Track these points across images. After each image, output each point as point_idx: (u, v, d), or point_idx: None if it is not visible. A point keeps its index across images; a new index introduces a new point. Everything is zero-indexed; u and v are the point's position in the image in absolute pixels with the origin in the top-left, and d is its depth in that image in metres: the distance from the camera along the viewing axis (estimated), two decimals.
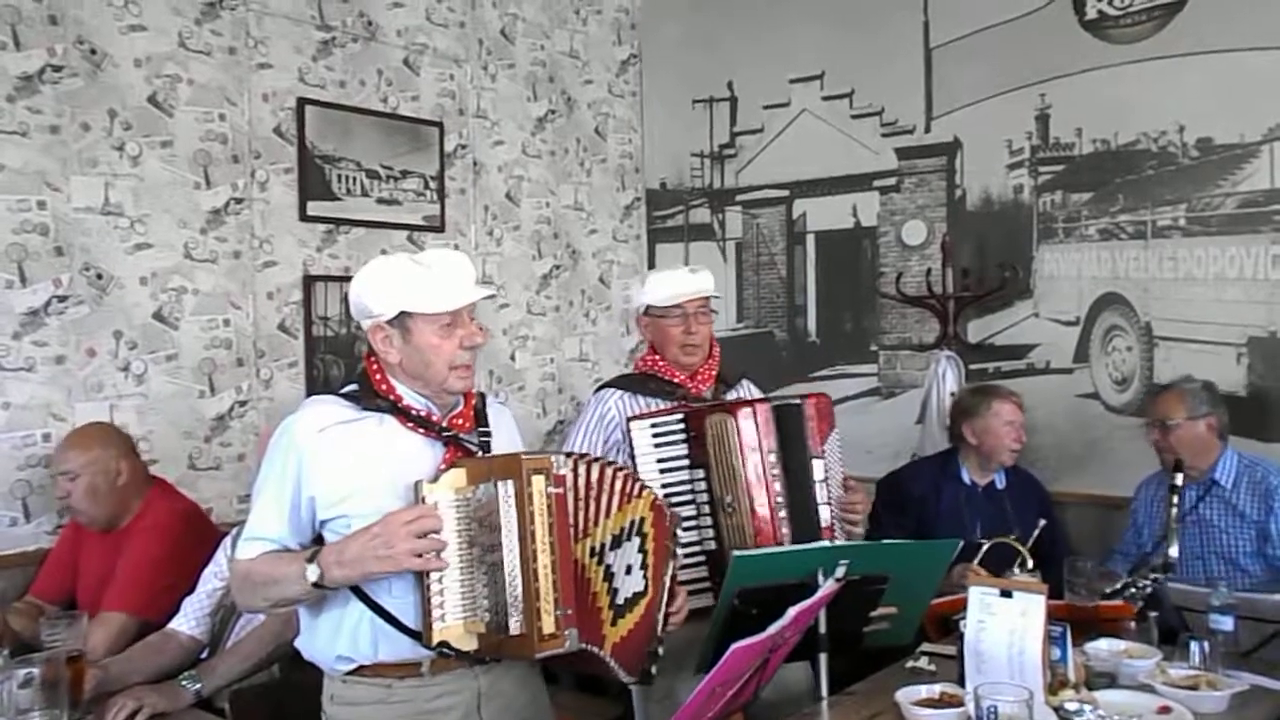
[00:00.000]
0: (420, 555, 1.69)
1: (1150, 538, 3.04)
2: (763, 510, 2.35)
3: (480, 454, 1.88)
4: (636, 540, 1.87)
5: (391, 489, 1.77)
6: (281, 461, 1.83)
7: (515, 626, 1.71)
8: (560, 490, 1.76)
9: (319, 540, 1.84)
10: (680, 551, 2.00)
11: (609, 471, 1.86)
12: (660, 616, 1.90)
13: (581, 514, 1.81)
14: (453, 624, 1.74)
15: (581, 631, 1.75)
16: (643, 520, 1.88)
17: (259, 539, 1.85)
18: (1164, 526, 2.78)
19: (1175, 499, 2.75)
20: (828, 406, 2.48)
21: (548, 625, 1.71)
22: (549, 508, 1.74)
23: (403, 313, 1.83)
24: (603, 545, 1.83)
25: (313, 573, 1.73)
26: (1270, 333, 3.38)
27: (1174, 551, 2.66)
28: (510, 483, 1.72)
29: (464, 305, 1.84)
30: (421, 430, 1.86)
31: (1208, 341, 3.50)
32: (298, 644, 1.94)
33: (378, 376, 1.88)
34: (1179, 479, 2.79)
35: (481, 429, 1.93)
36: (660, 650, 1.90)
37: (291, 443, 1.83)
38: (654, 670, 1.90)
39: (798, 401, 2.44)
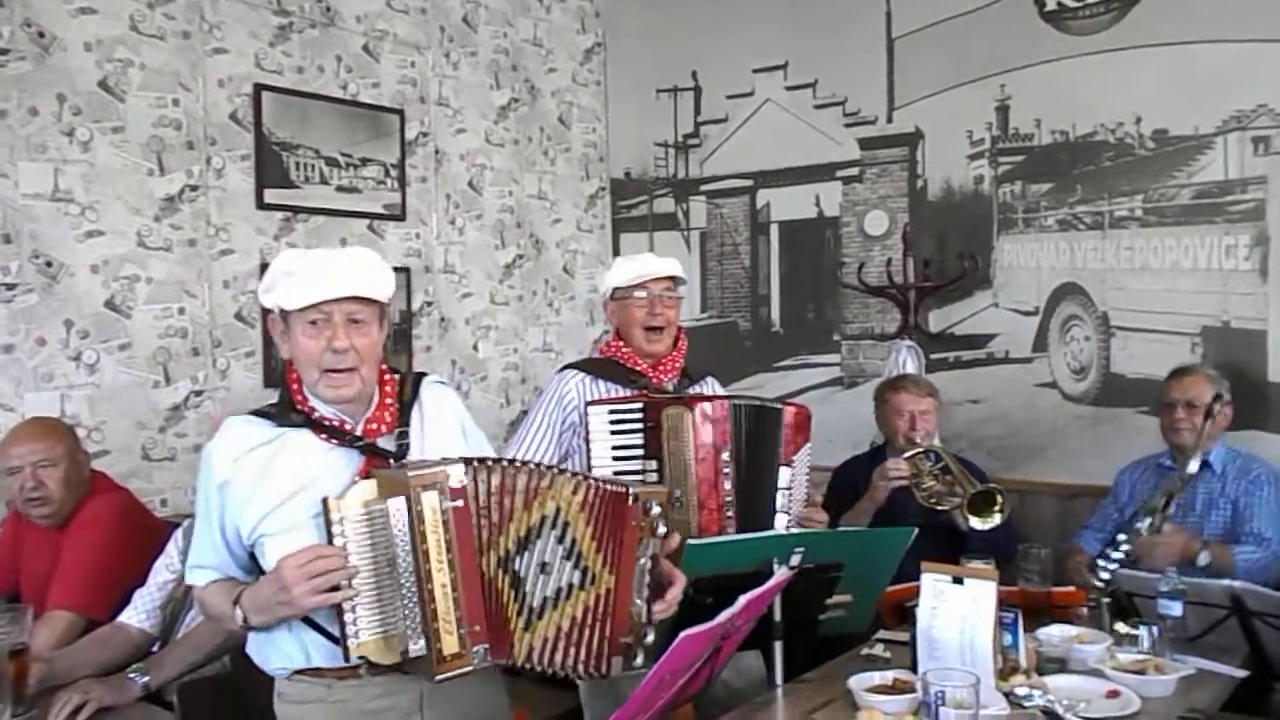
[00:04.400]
0: (318, 593, 1.65)
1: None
2: (710, 507, 2.34)
3: (394, 461, 1.81)
4: (553, 533, 1.74)
5: (308, 505, 1.72)
6: (204, 493, 1.83)
7: (415, 648, 1.66)
8: (459, 504, 1.68)
9: (255, 561, 1.82)
10: (662, 529, 1.80)
11: (511, 472, 1.74)
12: (640, 603, 1.76)
13: (485, 523, 1.72)
14: (368, 639, 1.69)
15: (494, 647, 1.70)
16: (559, 510, 1.75)
17: (201, 567, 1.88)
18: (1147, 502, 2.80)
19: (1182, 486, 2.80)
20: (806, 420, 2.47)
21: (449, 645, 1.66)
22: (445, 523, 1.67)
23: (282, 309, 1.78)
24: (508, 552, 1.73)
25: (239, 616, 1.76)
26: (1224, 322, 3.43)
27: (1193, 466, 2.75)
28: (400, 500, 1.66)
29: (321, 300, 1.73)
30: (334, 441, 1.80)
31: (1163, 331, 3.54)
32: (247, 648, 1.92)
33: (295, 386, 1.83)
34: (1194, 465, 2.81)
35: (402, 429, 1.85)
36: (649, 638, 1.77)
37: (210, 476, 1.81)
38: (637, 660, 1.77)
39: (779, 406, 2.45)
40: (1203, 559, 2.71)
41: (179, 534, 2.52)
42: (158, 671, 2.28)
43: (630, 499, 1.77)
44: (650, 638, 1.79)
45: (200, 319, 3.44)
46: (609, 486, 1.77)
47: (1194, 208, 3.48)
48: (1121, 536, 2.60)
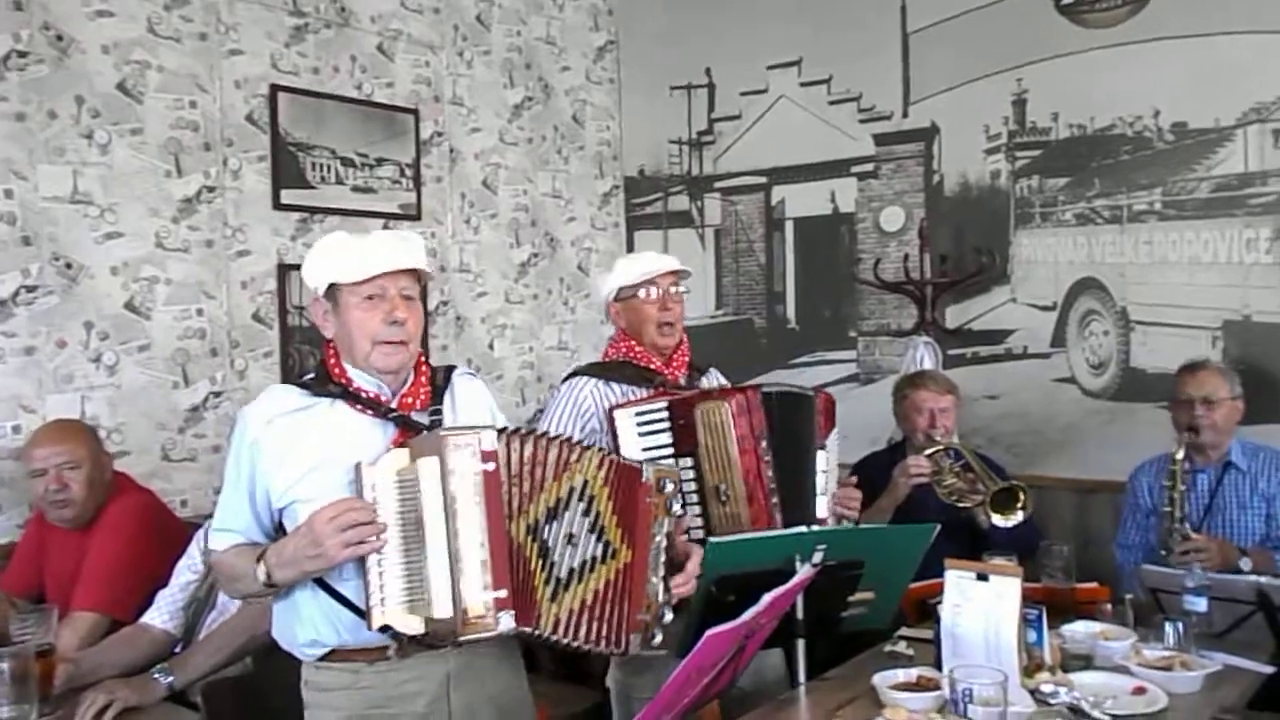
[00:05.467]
0: (350, 545, 1.67)
1: (1157, 525, 2.99)
2: (759, 498, 2.33)
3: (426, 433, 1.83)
4: (580, 505, 1.78)
5: (341, 473, 1.75)
6: (236, 454, 1.86)
7: (441, 609, 1.66)
8: (491, 467, 1.69)
9: (281, 528, 1.84)
10: (677, 509, 1.87)
11: (543, 443, 1.77)
12: (656, 580, 1.80)
13: (516, 490, 1.73)
14: (394, 608, 1.69)
15: (520, 614, 1.69)
16: (586, 484, 1.79)
17: (225, 530, 1.89)
18: (1169, 500, 2.80)
19: (1180, 478, 2.81)
20: (832, 407, 2.52)
21: (475, 608, 1.65)
22: (475, 485, 1.68)
23: (332, 285, 1.84)
24: (537, 521, 1.75)
25: (262, 573, 1.76)
26: (1244, 315, 3.41)
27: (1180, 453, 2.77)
28: (433, 459, 1.68)
29: (379, 273, 1.80)
30: (369, 412, 1.84)
31: (1183, 325, 3.52)
32: (273, 633, 1.93)
33: (332, 360, 1.88)
34: (1180, 452, 2.83)
35: (435, 407, 1.89)
36: (667, 616, 1.81)
37: (244, 435, 1.84)
38: (656, 639, 1.80)
39: (810, 392, 2.46)
40: (1245, 566, 2.69)
41: (201, 535, 2.53)
42: (182, 672, 2.29)
43: (643, 474, 1.81)
44: (668, 617, 1.83)
45: (218, 320, 3.45)
46: (625, 461, 1.82)
47: (1214, 201, 3.46)
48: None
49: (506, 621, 1.67)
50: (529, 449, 1.76)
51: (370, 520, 1.68)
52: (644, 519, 1.81)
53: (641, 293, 2.58)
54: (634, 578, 1.79)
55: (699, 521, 2.33)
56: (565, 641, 1.76)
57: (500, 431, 1.75)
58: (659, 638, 1.81)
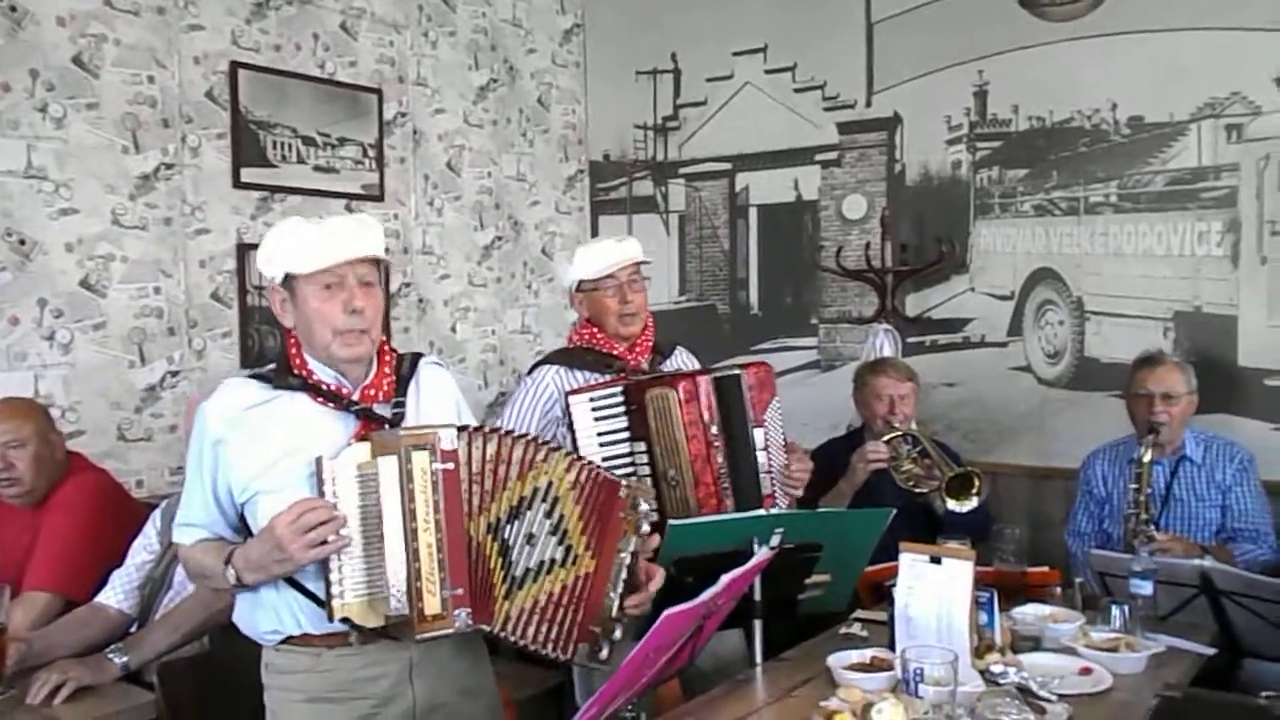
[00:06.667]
0: (312, 547, 1.66)
1: (1114, 514, 3.05)
2: (706, 482, 2.35)
3: (388, 426, 1.83)
4: (543, 506, 1.78)
5: (303, 466, 1.74)
6: (198, 451, 1.84)
7: (397, 606, 1.68)
8: (450, 466, 1.70)
9: (244, 521, 1.83)
10: (645, 529, 1.86)
11: (508, 442, 1.78)
12: (613, 595, 1.81)
13: (477, 489, 1.74)
14: (353, 601, 1.70)
15: (478, 612, 1.72)
16: (551, 485, 1.79)
17: (190, 525, 1.87)
18: (1135, 502, 2.84)
19: (1146, 470, 2.85)
20: (768, 375, 2.50)
21: (431, 605, 1.68)
22: (433, 484, 1.69)
23: (288, 275, 1.80)
24: (498, 519, 1.76)
25: (231, 576, 1.76)
26: (1195, 307, 3.48)
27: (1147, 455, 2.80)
28: (391, 459, 1.69)
29: (337, 263, 1.77)
30: (331, 405, 1.82)
31: (1136, 316, 3.59)
32: (234, 617, 1.92)
33: (293, 351, 1.85)
34: (1147, 455, 2.86)
35: (398, 399, 1.87)
36: (616, 633, 1.81)
37: (204, 433, 1.82)
38: (603, 653, 1.80)
39: (737, 371, 2.45)
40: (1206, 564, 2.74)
41: (157, 515, 2.52)
42: (136, 651, 2.27)
43: (622, 490, 1.82)
44: (618, 634, 1.83)
45: (176, 299, 3.41)
46: (603, 473, 1.82)
47: (1168, 194, 3.52)
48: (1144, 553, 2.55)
49: (463, 619, 1.70)
50: (491, 447, 1.76)
51: (330, 518, 1.67)
52: (614, 532, 1.82)
53: (602, 285, 2.59)
54: (593, 587, 1.80)
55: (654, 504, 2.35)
56: (514, 639, 1.77)
57: (461, 430, 1.75)
58: (605, 653, 1.81)
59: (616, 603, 1.82)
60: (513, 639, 1.77)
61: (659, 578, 1.90)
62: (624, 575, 1.83)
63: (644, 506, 1.85)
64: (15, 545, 2.60)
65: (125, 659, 2.25)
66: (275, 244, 1.82)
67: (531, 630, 1.77)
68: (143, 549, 2.47)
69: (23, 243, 3.06)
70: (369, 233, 1.83)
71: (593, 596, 1.81)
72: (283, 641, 1.84)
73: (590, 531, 1.82)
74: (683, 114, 4.62)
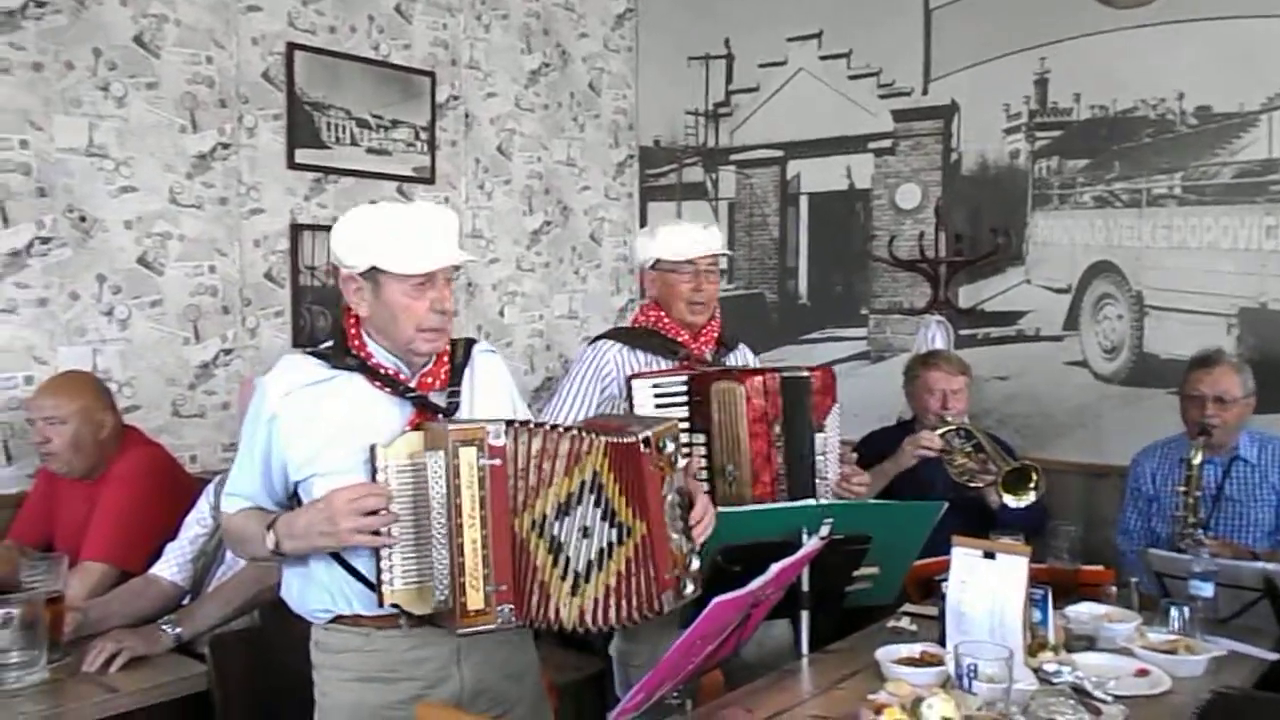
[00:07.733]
0: (363, 533, 1.68)
1: (1162, 514, 2.98)
2: (764, 481, 2.33)
3: (442, 416, 1.83)
4: (591, 497, 1.76)
5: (356, 450, 1.75)
6: (253, 424, 1.85)
7: (441, 600, 1.70)
8: (497, 462, 1.71)
9: (295, 497, 1.84)
10: (683, 458, 1.84)
11: (554, 435, 1.76)
12: (677, 537, 1.78)
13: (522, 484, 1.75)
14: (401, 588, 1.72)
15: (520, 608, 1.73)
16: (596, 474, 1.77)
17: (236, 495, 1.89)
18: (1184, 505, 2.78)
19: (1196, 473, 2.78)
20: (832, 381, 2.46)
21: (474, 601, 1.69)
22: (480, 480, 1.70)
23: (374, 268, 1.79)
24: (544, 516, 1.76)
25: (270, 541, 1.77)
26: (1261, 304, 3.38)
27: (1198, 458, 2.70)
28: (440, 454, 1.69)
29: (437, 269, 1.79)
30: (388, 390, 1.83)
31: (1199, 311, 3.50)
32: (282, 593, 1.94)
33: (352, 331, 1.86)
34: (1198, 456, 2.79)
35: (452, 388, 1.87)
36: (694, 564, 1.80)
37: (262, 406, 1.83)
38: (687, 589, 1.78)
39: (805, 374, 2.42)
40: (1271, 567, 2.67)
41: (210, 489, 2.55)
42: (189, 623, 2.31)
43: (641, 445, 1.76)
44: (696, 564, 1.82)
45: (231, 277, 3.45)
46: (621, 440, 1.76)
47: (1235, 187, 3.42)
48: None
49: (505, 615, 1.71)
50: (537, 443, 1.76)
51: (386, 510, 1.69)
52: (652, 486, 1.77)
53: (679, 269, 2.56)
54: (655, 544, 1.76)
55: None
56: (598, 628, 1.77)
57: (509, 425, 1.75)
58: (690, 587, 1.79)
59: (683, 540, 1.81)
60: (596, 629, 1.77)
61: (702, 503, 1.87)
62: (678, 513, 1.82)
63: (669, 448, 1.80)
64: (72, 517, 2.66)
65: (178, 630, 2.29)
66: (364, 233, 1.80)
67: (613, 612, 1.76)
68: (196, 523, 2.51)
69: (83, 219, 3.11)
70: (457, 234, 1.86)
71: (658, 551, 1.76)
72: (332, 620, 1.85)
73: (633, 499, 1.77)
74: (735, 100, 4.58)
